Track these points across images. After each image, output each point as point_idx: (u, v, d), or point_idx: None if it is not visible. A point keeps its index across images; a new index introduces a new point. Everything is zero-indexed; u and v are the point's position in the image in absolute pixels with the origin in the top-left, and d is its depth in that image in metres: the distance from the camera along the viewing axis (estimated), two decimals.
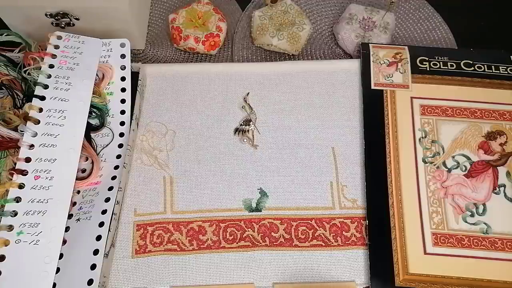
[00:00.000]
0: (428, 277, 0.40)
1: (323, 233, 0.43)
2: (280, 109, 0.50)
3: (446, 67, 0.50)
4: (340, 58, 0.55)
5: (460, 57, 0.51)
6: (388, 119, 0.47)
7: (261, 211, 0.44)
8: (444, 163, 0.46)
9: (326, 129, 0.48)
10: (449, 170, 0.45)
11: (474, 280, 0.40)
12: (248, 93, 0.50)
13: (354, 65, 0.52)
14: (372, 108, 0.48)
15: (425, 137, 0.47)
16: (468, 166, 0.45)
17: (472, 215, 0.43)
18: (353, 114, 0.49)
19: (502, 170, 0.45)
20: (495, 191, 0.44)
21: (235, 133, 0.48)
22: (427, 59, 0.51)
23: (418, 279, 0.40)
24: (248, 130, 0.48)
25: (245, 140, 0.48)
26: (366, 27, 0.54)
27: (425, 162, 0.46)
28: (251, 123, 0.48)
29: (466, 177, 0.45)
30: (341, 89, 0.51)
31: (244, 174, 0.46)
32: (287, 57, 0.55)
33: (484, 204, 0.44)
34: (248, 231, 0.43)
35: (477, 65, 0.50)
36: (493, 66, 0.50)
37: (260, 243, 0.43)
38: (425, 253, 0.42)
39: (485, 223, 0.43)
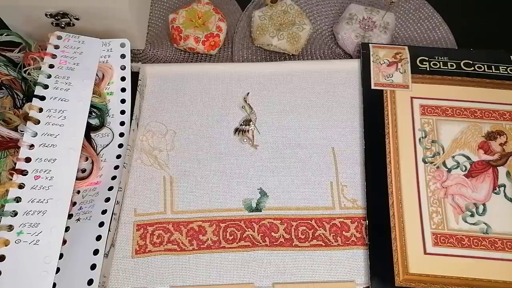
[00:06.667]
0: (428, 277, 0.40)
1: (323, 233, 0.43)
2: (280, 109, 0.50)
3: (446, 67, 0.50)
4: (340, 58, 0.55)
5: (460, 57, 0.51)
6: (388, 119, 0.47)
7: (261, 211, 0.44)
8: (444, 163, 0.46)
9: (326, 129, 0.48)
10: (449, 170, 0.45)
11: (474, 280, 0.40)
12: (248, 93, 0.50)
13: (354, 65, 0.52)
14: (372, 108, 0.48)
15: (425, 137, 0.47)
16: (468, 166, 0.45)
17: (472, 215, 0.43)
18: (353, 114, 0.49)
19: (502, 170, 0.45)
20: (495, 191, 0.44)
21: (235, 133, 0.48)
22: (427, 59, 0.51)
23: (418, 279, 0.40)
24: (248, 130, 0.48)
25: (245, 140, 0.48)
26: (366, 27, 0.54)
27: (425, 162, 0.46)
28: (251, 123, 0.48)
29: (466, 177, 0.45)
30: (341, 89, 0.51)
31: (244, 174, 0.46)
32: (287, 57, 0.55)
33: (484, 204, 0.44)
34: (248, 231, 0.43)
35: (477, 65, 0.50)
36: (493, 66, 0.50)
37: (260, 243, 0.43)
38: (425, 253, 0.42)
39: (485, 223, 0.43)
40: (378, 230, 0.42)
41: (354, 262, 0.42)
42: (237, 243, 0.43)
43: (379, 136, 0.47)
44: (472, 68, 0.50)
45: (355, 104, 0.50)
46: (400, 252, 0.41)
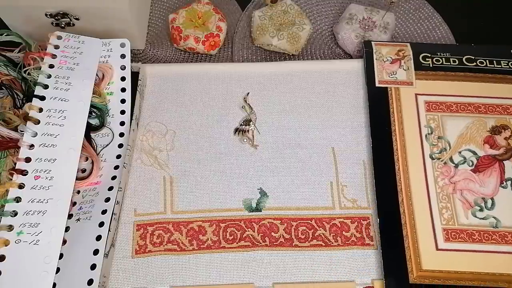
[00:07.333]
0: (442, 273, 0.40)
1: (323, 233, 0.43)
2: (280, 109, 0.49)
3: (449, 63, 0.50)
4: (340, 58, 0.55)
5: (461, 53, 0.51)
6: (394, 116, 0.47)
7: (261, 211, 0.44)
8: (451, 159, 0.45)
9: (326, 129, 0.48)
10: (456, 166, 0.45)
11: (487, 275, 0.40)
12: (248, 93, 0.49)
13: (354, 65, 0.52)
14: (378, 105, 0.48)
15: (431, 133, 0.46)
16: (475, 161, 0.45)
17: (481, 210, 0.43)
18: (353, 114, 0.49)
19: (508, 164, 0.44)
20: (502, 185, 0.44)
21: (235, 133, 0.48)
22: (429, 55, 0.51)
23: (431, 275, 0.40)
24: (248, 130, 0.48)
25: (245, 140, 0.47)
26: (366, 27, 0.54)
27: (432, 158, 0.45)
28: (251, 123, 0.48)
29: (473, 172, 0.44)
30: (341, 89, 0.50)
31: (244, 174, 0.46)
32: (287, 57, 0.55)
33: (492, 199, 0.43)
34: (248, 231, 0.43)
35: (479, 60, 0.50)
36: (494, 61, 0.50)
37: (260, 243, 0.42)
38: (437, 249, 0.41)
39: (494, 217, 0.42)
40: (389, 228, 0.42)
41: (354, 262, 0.41)
42: (237, 243, 0.42)
43: (386, 133, 0.46)
44: (474, 64, 0.50)
45: (355, 104, 0.49)
46: (413, 249, 0.41)
